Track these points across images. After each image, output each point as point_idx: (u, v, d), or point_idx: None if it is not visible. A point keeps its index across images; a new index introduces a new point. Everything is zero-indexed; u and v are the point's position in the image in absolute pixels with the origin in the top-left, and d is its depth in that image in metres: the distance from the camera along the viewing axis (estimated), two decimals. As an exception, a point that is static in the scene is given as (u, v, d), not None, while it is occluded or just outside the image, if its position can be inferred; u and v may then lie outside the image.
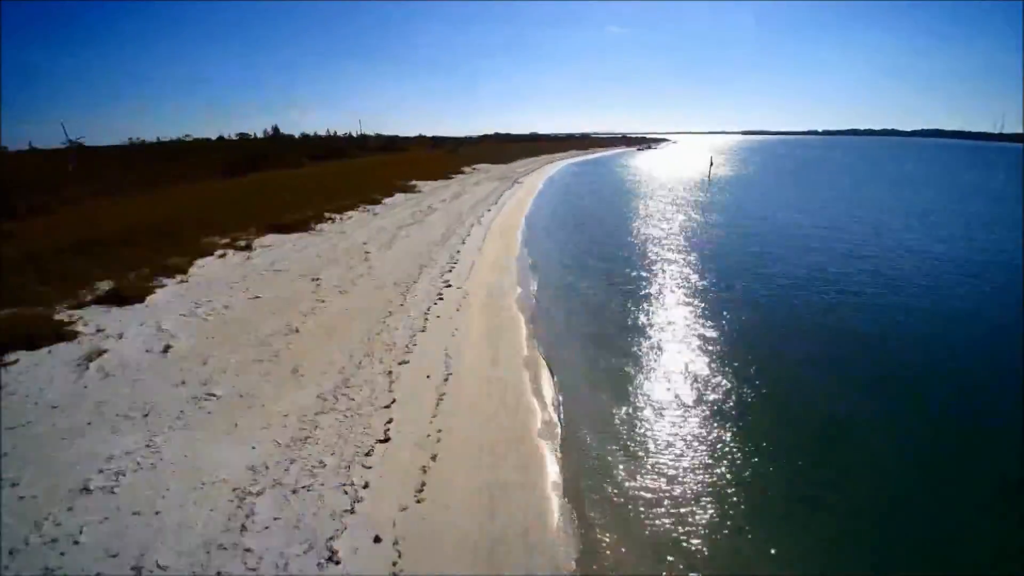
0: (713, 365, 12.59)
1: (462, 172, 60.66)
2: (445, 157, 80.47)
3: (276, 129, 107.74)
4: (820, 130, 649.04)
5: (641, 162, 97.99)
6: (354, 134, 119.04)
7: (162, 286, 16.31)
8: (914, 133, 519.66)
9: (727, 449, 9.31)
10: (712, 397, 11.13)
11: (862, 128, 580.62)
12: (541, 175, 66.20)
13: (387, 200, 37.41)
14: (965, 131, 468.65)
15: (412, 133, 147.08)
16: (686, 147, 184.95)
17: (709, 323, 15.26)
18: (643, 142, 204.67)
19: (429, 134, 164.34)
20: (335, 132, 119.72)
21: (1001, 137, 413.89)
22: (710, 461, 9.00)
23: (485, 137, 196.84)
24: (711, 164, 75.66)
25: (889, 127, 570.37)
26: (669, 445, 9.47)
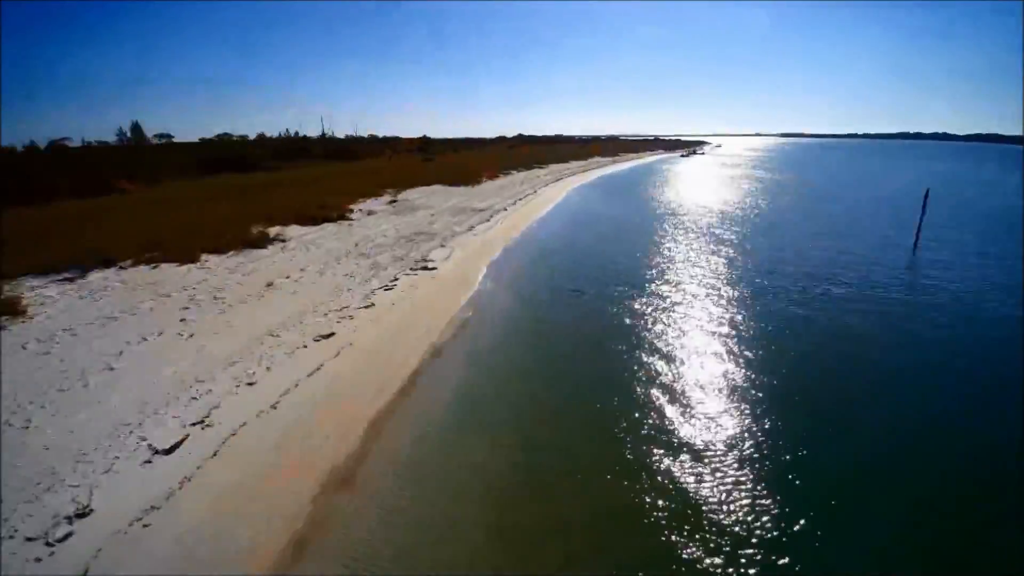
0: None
1: (386, 197, 34.49)
2: (407, 168, 54.75)
3: (137, 128, 69.35)
4: (860, 132, 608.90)
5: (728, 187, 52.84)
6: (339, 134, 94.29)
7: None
8: (968, 137, 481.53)
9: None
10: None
11: (912, 131, 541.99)
12: (515, 224, 29.06)
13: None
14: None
15: (416, 133, 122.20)
16: (733, 150, 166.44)
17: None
18: (683, 145, 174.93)
19: (437, 135, 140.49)
20: (296, 132, 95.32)
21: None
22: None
23: (503, 139, 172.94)
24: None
25: (940, 130, 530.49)
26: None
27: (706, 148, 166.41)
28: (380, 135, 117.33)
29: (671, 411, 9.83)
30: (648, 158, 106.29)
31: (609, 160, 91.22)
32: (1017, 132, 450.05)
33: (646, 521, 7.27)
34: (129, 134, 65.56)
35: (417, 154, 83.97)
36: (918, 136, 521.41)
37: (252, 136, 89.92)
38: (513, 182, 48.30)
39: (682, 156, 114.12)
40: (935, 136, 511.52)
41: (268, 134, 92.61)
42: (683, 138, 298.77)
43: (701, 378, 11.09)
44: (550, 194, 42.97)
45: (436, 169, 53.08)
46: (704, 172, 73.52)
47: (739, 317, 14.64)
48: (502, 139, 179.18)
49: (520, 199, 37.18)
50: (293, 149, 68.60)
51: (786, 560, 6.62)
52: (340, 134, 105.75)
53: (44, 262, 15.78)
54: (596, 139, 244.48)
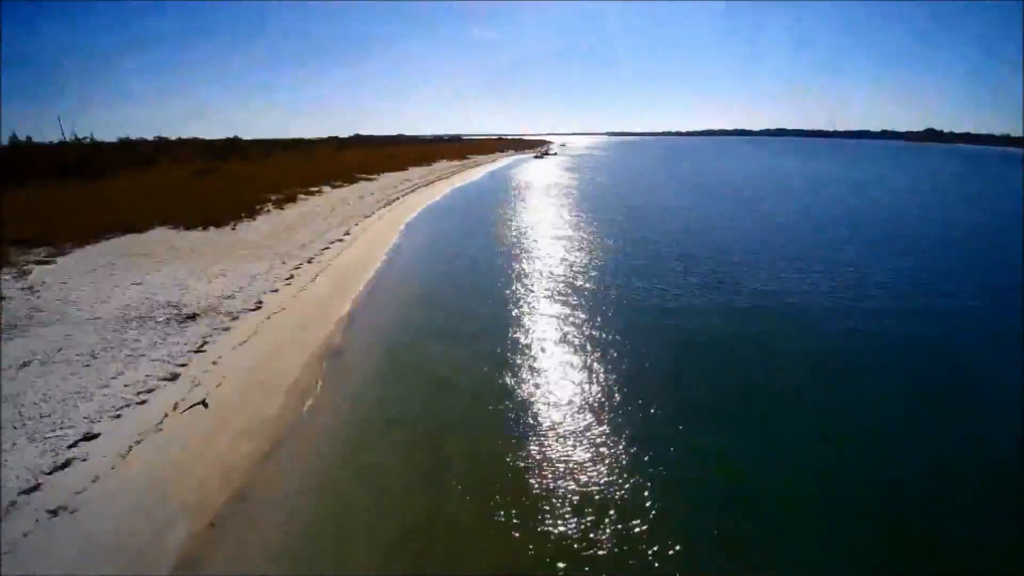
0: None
1: None
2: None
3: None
4: (680, 131, 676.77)
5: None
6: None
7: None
8: (761, 132, 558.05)
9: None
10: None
11: (716, 128, 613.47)
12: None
13: None
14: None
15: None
16: (576, 148, 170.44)
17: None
18: (527, 145, 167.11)
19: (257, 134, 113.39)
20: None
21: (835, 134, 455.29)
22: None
23: (335, 139, 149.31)
24: None
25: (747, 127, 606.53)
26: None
27: (554, 147, 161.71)
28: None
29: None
30: (504, 160, 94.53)
31: (457, 164, 76.51)
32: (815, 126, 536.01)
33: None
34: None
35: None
36: (722, 133, 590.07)
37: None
38: (312, 213, 30.71)
39: (536, 158, 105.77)
40: (736, 132, 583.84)
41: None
42: (525, 137, 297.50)
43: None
44: (362, 254, 22.39)
45: (197, 192, 33.46)
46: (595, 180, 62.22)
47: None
48: (334, 139, 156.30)
49: (297, 269, 18.93)
50: None
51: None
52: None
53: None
54: (440, 139, 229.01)
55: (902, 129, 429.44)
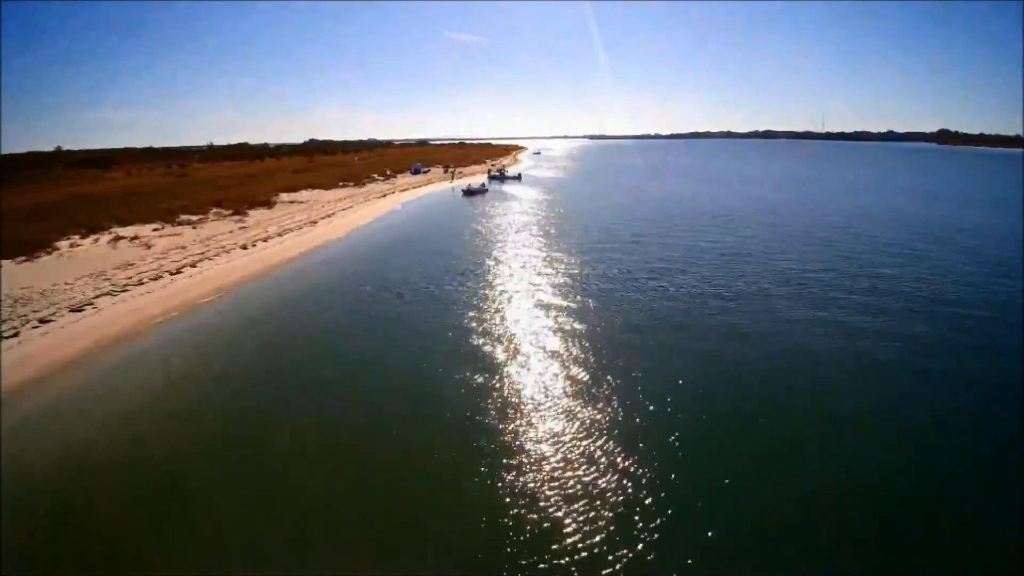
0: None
1: None
2: None
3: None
4: (658, 133, 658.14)
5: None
6: None
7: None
8: (749, 135, 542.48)
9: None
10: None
11: (701, 131, 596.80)
12: None
13: None
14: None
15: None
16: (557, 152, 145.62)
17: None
18: (497, 152, 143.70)
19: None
20: None
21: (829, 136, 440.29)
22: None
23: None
24: None
25: (730, 129, 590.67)
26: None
27: (523, 161, 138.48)
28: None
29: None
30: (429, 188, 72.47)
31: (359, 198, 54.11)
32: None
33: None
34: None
35: None
36: (707, 135, 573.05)
37: None
38: None
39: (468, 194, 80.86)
40: (723, 135, 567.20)
41: None
42: (493, 142, 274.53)
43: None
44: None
45: None
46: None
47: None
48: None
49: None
50: None
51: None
52: None
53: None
54: (392, 143, 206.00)
55: (901, 130, 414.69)
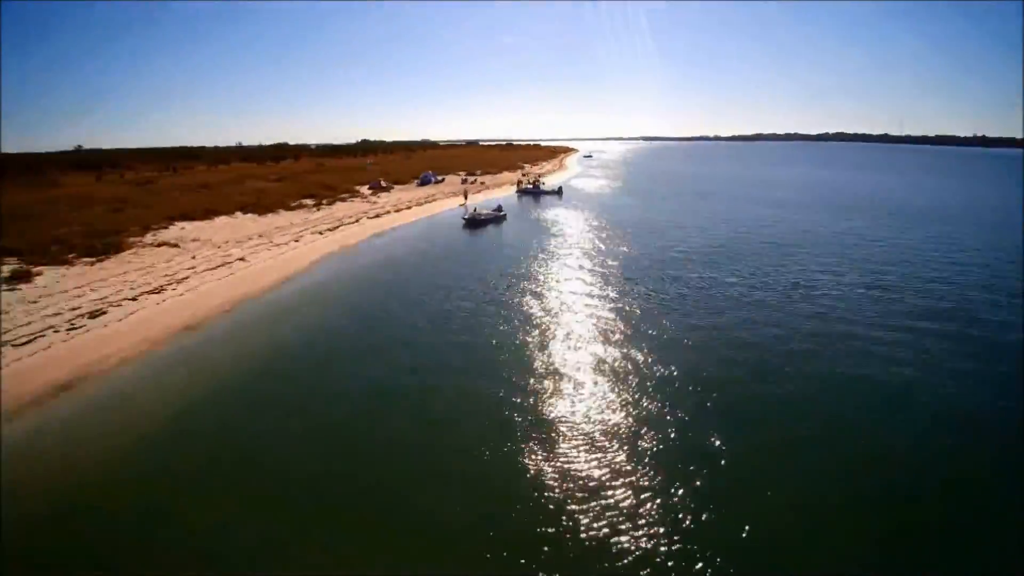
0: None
1: None
2: None
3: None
4: (714, 135, 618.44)
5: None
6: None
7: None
8: (819, 137, 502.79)
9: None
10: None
11: (766, 132, 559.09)
12: None
13: None
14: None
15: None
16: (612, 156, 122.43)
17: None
18: (549, 154, 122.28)
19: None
20: None
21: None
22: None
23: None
24: None
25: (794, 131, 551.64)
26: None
27: (572, 166, 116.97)
28: None
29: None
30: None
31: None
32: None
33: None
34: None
35: None
36: (773, 137, 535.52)
37: None
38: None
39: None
40: (789, 137, 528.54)
41: None
42: (543, 143, 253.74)
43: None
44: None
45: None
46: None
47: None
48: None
49: None
50: None
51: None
52: None
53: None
54: (437, 144, 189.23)
55: (993, 134, 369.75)
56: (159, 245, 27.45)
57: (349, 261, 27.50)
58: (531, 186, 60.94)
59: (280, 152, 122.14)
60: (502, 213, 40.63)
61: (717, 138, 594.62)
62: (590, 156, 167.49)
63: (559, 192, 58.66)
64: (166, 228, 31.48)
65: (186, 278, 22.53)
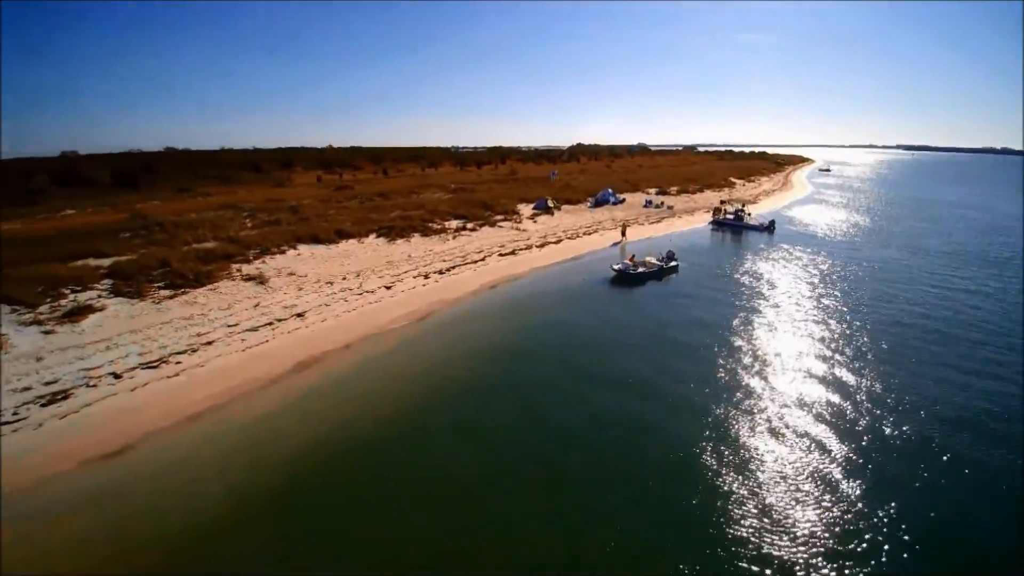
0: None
1: None
2: None
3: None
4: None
5: None
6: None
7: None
8: None
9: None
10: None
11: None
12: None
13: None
14: None
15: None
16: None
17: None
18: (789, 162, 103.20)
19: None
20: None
21: None
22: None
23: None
24: None
25: None
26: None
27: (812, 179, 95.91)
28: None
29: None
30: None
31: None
32: None
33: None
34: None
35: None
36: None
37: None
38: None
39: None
40: None
41: None
42: (769, 151, 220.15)
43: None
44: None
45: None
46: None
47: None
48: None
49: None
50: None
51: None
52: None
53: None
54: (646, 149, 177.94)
55: None
56: (247, 279, 24.62)
57: (408, 343, 19.55)
58: (732, 216, 48.14)
59: (488, 157, 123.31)
60: (673, 263, 30.38)
61: (1006, 151, 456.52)
62: (827, 170, 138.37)
63: (769, 228, 44.82)
64: (282, 253, 29.20)
65: (203, 345, 18.35)
